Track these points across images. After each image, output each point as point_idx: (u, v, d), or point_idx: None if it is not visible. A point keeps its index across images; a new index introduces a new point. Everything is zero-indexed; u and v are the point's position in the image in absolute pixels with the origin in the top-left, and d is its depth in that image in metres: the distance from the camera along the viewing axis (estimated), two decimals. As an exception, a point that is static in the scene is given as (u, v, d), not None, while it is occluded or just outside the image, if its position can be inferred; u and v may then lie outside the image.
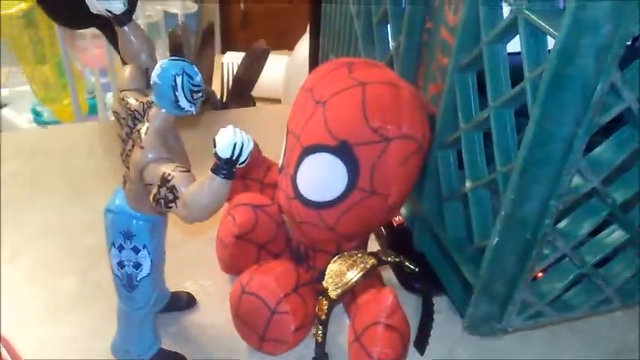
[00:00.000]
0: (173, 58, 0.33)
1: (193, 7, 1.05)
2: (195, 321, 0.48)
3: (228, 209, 0.49)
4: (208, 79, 0.90)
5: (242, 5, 2.07)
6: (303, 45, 0.86)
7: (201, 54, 0.88)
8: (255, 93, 0.94)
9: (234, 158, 0.30)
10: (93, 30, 0.90)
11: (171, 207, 0.32)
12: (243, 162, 0.31)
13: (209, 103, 0.89)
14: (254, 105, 0.94)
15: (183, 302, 0.49)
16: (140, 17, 1.00)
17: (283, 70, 1.13)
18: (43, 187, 0.62)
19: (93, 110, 1.09)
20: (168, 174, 0.32)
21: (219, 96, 0.92)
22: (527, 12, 0.32)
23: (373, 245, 0.53)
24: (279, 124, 0.46)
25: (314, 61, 0.74)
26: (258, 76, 0.90)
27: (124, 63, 0.41)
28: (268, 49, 0.86)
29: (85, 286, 0.50)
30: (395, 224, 0.54)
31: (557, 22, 0.30)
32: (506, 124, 0.36)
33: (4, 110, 1.16)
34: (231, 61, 0.98)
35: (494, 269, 0.38)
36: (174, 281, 0.48)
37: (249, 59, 0.89)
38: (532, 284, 0.40)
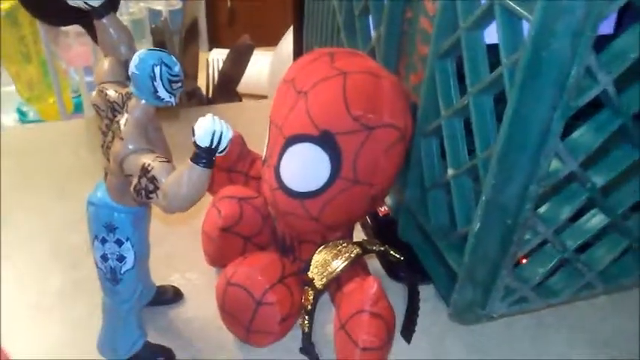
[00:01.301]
0: (151, 48, 0.33)
1: (178, 4, 1.05)
2: (181, 314, 0.48)
3: (213, 202, 0.49)
4: (194, 76, 0.90)
5: (229, 2, 2.07)
6: (288, 40, 0.86)
7: (185, 50, 0.88)
8: (241, 89, 0.93)
9: (213, 146, 0.30)
10: (77, 28, 0.89)
11: (152, 197, 0.32)
12: (222, 150, 0.31)
13: (195, 99, 0.89)
14: (240, 101, 0.94)
15: (169, 296, 0.49)
16: (124, 14, 0.99)
17: (269, 66, 1.13)
18: (29, 187, 0.62)
19: (78, 109, 1.08)
20: (148, 164, 0.32)
21: (204, 92, 0.92)
22: (503, -2, 0.33)
23: (359, 235, 0.53)
24: (264, 119, 0.46)
25: (298, 56, 0.74)
26: (243, 72, 0.90)
27: (106, 56, 0.41)
28: (253, 45, 0.86)
29: (71, 284, 0.50)
30: (380, 214, 0.54)
31: (532, 6, 0.31)
32: (485, 110, 0.37)
33: (-11, 111, 1.15)
34: (217, 57, 0.98)
35: (476, 255, 0.39)
36: (160, 275, 0.48)
37: (234, 55, 0.89)
38: (515, 270, 0.41)
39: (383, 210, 0.54)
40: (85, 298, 0.48)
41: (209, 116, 0.30)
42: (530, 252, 0.41)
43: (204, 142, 0.30)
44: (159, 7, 1.04)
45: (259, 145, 0.50)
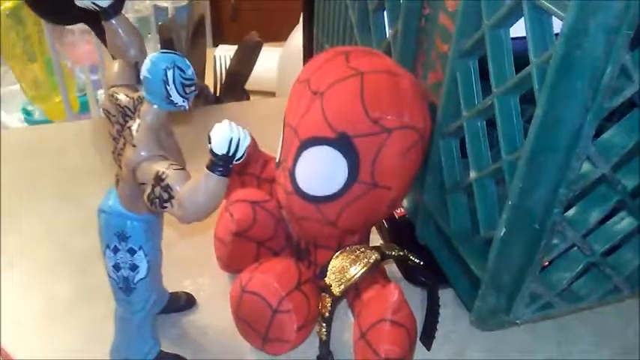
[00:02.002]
0: (164, 50, 0.32)
1: (184, 0, 1.03)
2: (195, 322, 0.47)
3: (225, 206, 0.48)
4: (201, 73, 0.88)
5: (232, -1, 2.05)
6: (296, 36, 0.84)
7: (192, 48, 0.87)
8: (248, 86, 0.92)
9: (230, 154, 0.29)
10: (82, 26, 0.88)
11: (166, 207, 0.31)
12: (240, 158, 0.29)
13: (202, 98, 0.87)
14: (248, 98, 0.92)
15: (182, 303, 0.48)
16: (129, 12, 0.98)
17: (276, 62, 1.11)
18: (36, 190, 0.60)
19: (85, 108, 1.07)
20: (162, 172, 0.31)
21: (212, 90, 0.91)
22: (531, -7, 0.31)
23: (374, 238, 0.51)
24: (274, 118, 0.45)
25: (308, 52, 0.72)
26: (251, 69, 0.88)
27: (115, 59, 0.40)
28: (261, 42, 0.85)
29: (81, 291, 0.49)
30: (396, 216, 0.53)
31: (564, 2, 0.29)
32: (511, 111, 0.35)
33: (-5, 111, 1.14)
34: (223, 54, 0.96)
35: (501, 261, 0.37)
36: (173, 281, 0.47)
37: (241, 52, 0.87)
38: (540, 274, 0.39)
39: (399, 211, 0.53)
40: (95, 306, 0.47)
41: (226, 122, 0.29)
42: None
43: (221, 150, 0.29)
44: (165, 4, 1.03)
45: (270, 144, 0.48)
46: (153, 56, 0.32)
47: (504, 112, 0.35)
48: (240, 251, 0.47)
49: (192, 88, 0.33)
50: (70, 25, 0.81)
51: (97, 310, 0.46)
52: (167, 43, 0.81)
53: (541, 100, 0.31)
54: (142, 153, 0.32)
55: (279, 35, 1.23)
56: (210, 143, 0.29)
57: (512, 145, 0.35)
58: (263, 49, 0.87)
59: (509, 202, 0.35)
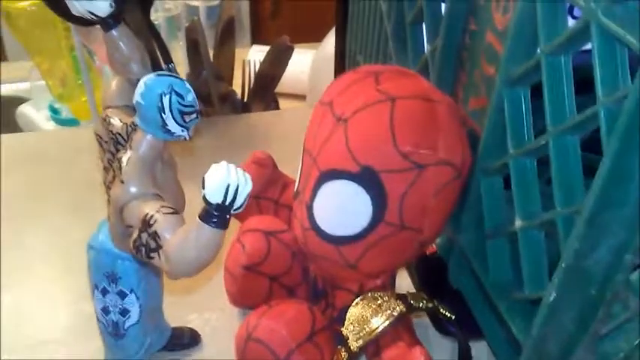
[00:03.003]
0: (160, 72, 0.28)
1: (215, 0, 0.99)
2: (198, 361, 0.43)
3: (237, 235, 0.43)
4: (228, 77, 0.84)
5: (272, -5, 2.01)
6: (331, 39, 0.79)
7: (220, 49, 0.83)
8: (279, 89, 0.88)
9: (227, 203, 0.24)
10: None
11: (153, 257, 0.26)
12: (238, 208, 0.25)
13: (229, 103, 0.83)
14: (276, 105, 0.88)
15: (185, 340, 0.43)
16: (159, 10, 0.94)
17: (310, 64, 1.06)
18: (42, 202, 0.57)
19: (112, 107, 1.04)
20: (151, 216, 0.27)
21: (239, 95, 0.86)
22: (602, 17, 0.25)
23: (401, 275, 0.46)
24: (302, 130, 0.40)
25: (340, 61, 0.67)
26: (281, 74, 0.84)
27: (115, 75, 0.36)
28: (292, 46, 0.80)
29: (81, 319, 0.45)
30: (427, 252, 0.48)
31: (644, 30, 0.23)
32: (569, 154, 0.29)
33: (23, 107, 1.12)
34: (255, 57, 0.92)
35: (549, 329, 0.32)
36: (177, 314, 0.43)
37: (272, 56, 0.83)
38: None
39: (430, 248, 0.48)
40: (97, 335, 0.43)
41: (223, 165, 0.24)
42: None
43: (215, 199, 0.24)
44: (196, 3, 0.99)
45: (295, 160, 0.44)
46: (147, 79, 0.28)
47: (561, 155, 0.29)
48: (250, 286, 0.42)
49: (194, 115, 0.28)
50: (90, 25, 0.78)
51: (99, 340, 0.42)
52: (193, 46, 0.77)
53: (610, 147, 0.25)
54: (131, 190, 0.28)
55: (322, 34, 1.17)
56: (203, 188, 0.24)
57: (569, 195, 0.29)
58: (298, 49, 0.83)
59: (563, 264, 0.29)
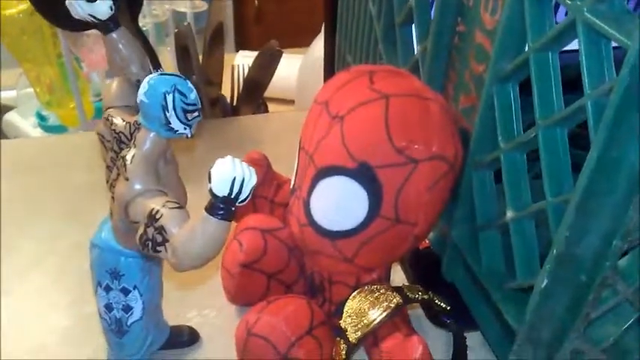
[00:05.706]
0: (163, 72, 0.28)
1: (203, 6, 1.00)
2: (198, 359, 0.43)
3: (234, 234, 0.44)
4: (217, 82, 0.85)
5: (256, 1, 2.02)
6: (319, 43, 0.80)
7: (209, 55, 0.83)
8: (267, 93, 0.88)
9: (232, 196, 0.25)
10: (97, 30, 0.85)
11: (159, 251, 0.27)
12: (244, 200, 0.25)
13: (219, 107, 0.84)
14: (265, 108, 0.89)
15: (184, 338, 0.44)
16: (147, 16, 0.95)
17: (298, 70, 1.07)
18: (37, 208, 0.57)
19: (100, 114, 1.03)
20: (157, 211, 0.27)
21: (229, 99, 0.87)
22: (588, 14, 0.27)
23: (394, 270, 0.47)
24: (291, 133, 0.41)
25: (329, 63, 0.68)
26: (270, 79, 0.85)
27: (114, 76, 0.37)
28: (281, 51, 0.81)
29: (80, 322, 0.45)
30: (420, 247, 0.49)
31: (629, 27, 0.25)
32: (558, 147, 0.31)
33: (10, 114, 1.12)
34: (242, 62, 0.93)
35: (541, 315, 0.33)
36: (175, 312, 0.44)
37: (260, 61, 0.84)
38: (584, 329, 0.35)
39: (423, 242, 0.49)
40: (96, 338, 0.43)
41: (228, 159, 0.25)
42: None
43: (221, 191, 0.25)
44: (183, 9, 1.00)
45: (286, 161, 0.44)
46: (151, 78, 0.28)
47: (550, 147, 0.31)
48: (248, 284, 0.43)
49: (196, 113, 0.29)
50: (81, 31, 0.78)
51: (98, 343, 0.42)
52: (183, 51, 0.77)
53: (597, 137, 0.27)
54: (136, 187, 0.29)
55: (306, 40, 1.18)
56: (209, 182, 0.25)
57: (558, 185, 0.31)
58: (285, 55, 0.84)
59: (554, 252, 0.30)
